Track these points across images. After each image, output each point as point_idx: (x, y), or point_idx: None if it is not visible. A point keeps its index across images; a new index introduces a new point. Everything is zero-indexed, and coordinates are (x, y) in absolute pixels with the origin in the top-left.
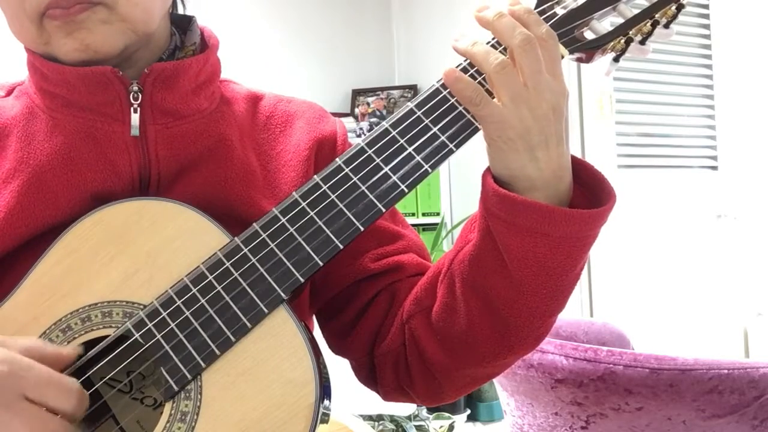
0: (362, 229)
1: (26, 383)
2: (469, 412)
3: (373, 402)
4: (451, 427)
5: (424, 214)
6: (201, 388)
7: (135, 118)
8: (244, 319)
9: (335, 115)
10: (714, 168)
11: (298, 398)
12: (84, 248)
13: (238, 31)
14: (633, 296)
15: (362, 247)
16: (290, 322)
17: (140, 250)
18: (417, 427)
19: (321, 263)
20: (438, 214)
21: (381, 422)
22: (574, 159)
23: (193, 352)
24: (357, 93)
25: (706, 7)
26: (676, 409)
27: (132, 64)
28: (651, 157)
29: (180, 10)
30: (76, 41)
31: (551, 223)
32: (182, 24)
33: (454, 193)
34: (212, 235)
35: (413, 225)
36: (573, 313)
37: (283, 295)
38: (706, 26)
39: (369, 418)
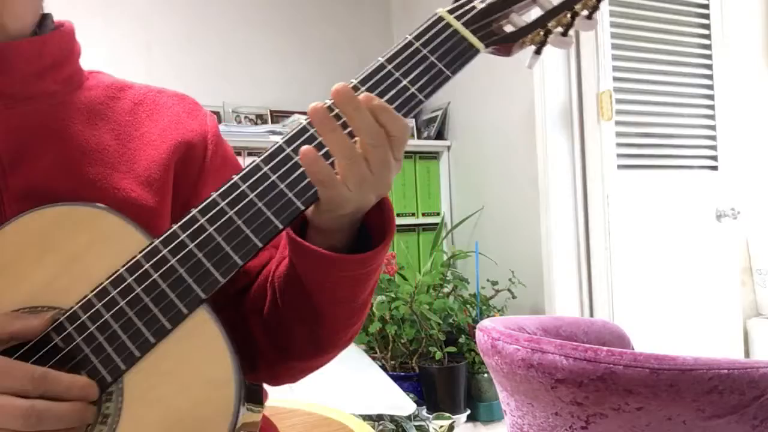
0: (281, 227)
1: None
2: (469, 412)
3: (373, 402)
4: (451, 427)
5: (424, 214)
6: (123, 390)
7: None
8: (164, 321)
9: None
10: (714, 168)
11: (218, 397)
12: (7, 253)
13: (237, 31)
14: (633, 296)
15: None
16: (211, 323)
17: (63, 255)
18: (417, 427)
19: (240, 262)
20: (438, 214)
21: (381, 422)
22: None
23: (113, 354)
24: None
25: (706, 7)
26: (676, 409)
27: None
28: (651, 157)
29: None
30: None
31: (339, 267)
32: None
33: (454, 193)
34: (134, 238)
35: (413, 225)
36: (573, 313)
37: (202, 295)
38: (706, 26)
39: (369, 418)
